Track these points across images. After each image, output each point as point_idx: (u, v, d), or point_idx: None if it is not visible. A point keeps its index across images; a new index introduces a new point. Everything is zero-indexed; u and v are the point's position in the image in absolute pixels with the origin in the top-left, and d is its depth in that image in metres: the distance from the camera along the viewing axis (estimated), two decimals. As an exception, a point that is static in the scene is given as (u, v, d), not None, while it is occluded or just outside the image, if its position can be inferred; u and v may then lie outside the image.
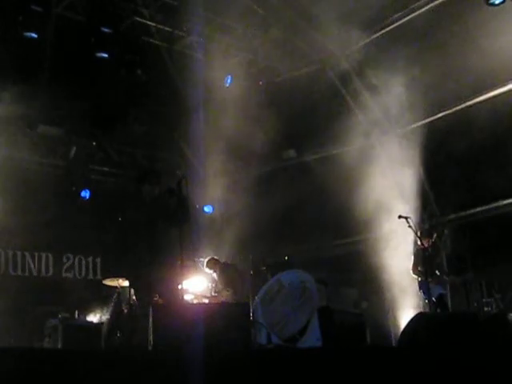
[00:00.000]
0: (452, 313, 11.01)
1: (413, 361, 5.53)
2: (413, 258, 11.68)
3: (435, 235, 12.06)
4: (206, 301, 10.85)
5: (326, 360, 5.38)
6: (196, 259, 12.58)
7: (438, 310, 11.06)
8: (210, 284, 11.62)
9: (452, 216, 13.67)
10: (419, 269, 11.48)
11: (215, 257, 12.08)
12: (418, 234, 11.70)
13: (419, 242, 11.61)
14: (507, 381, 5.30)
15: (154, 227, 7.38)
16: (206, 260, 11.95)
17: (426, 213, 13.73)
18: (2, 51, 10.74)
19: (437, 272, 11.36)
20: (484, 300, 11.40)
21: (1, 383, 3.97)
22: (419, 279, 11.54)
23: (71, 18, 12.18)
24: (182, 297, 8.42)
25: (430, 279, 11.27)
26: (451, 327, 6.90)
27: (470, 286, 11.50)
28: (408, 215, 10.95)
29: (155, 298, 7.66)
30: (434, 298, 11.23)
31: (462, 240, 13.00)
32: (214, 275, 11.63)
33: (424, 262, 11.37)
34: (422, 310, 11.42)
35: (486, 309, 11.23)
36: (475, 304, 11.53)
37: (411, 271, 11.69)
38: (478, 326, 7.09)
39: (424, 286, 11.41)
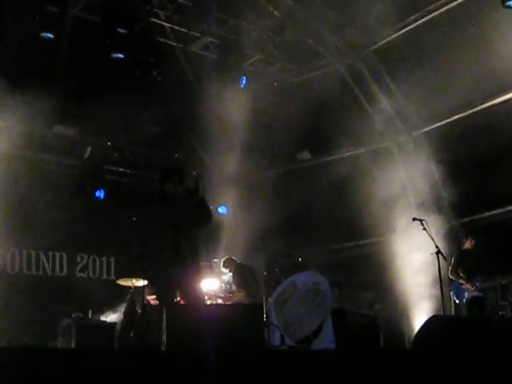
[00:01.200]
0: (466, 316, 10.95)
1: (427, 364, 5.51)
2: (453, 259, 11.61)
3: (471, 237, 12.01)
4: (220, 301, 10.86)
5: (339, 362, 5.37)
6: (211, 260, 12.59)
7: (474, 312, 11.06)
8: (223, 284, 11.62)
9: (466, 219, 13.59)
10: (459, 271, 11.45)
11: (233, 257, 12.08)
12: (459, 235, 11.73)
13: (465, 243, 11.62)
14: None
15: (174, 229, 7.35)
16: (223, 259, 11.96)
17: (440, 216, 13.67)
18: (18, 52, 10.80)
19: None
20: (499, 303, 11.32)
21: (13, 382, 3.98)
22: (457, 281, 11.51)
23: (87, 18, 12.24)
24: (203, 297, 8.44)
25: (464, 281, 11.29)
26: (465, 331, 6.87)
27: (484, 289, 11.45)
28: (422, 218, 10.90)
29: (176, 298, 7.66)
30: (463, 300, 11.24)
31: (482, 242, 12.92)
32: (229, 275, 11.63)
33: (465, 264, 11.37)
34: (448, 312, 11.37)
35: (500, 312, 11.16)
36: (489, 308, 11.46)
37: (449, 273, 11.63)
38: (492, 330, 7.05)
39: (459, 289, 11.42)
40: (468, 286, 11.23)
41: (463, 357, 5.65)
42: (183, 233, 7.40)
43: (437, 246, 10.78)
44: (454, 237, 11.91)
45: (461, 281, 11.41)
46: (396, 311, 12.62)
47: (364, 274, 13.45)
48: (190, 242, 7.41)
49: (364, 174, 13.61)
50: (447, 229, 13.12)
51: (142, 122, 14.08)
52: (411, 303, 12.69)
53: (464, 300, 11.31)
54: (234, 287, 11.31)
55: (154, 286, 8.96)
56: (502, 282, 11.29)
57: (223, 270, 11.83)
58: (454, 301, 11.59)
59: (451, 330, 6.89)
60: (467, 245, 11.66)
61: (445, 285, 11.04)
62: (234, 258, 12.12)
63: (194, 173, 7.66)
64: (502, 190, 12.12)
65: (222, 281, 11.74)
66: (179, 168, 7.94)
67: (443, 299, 11.04)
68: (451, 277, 11.62)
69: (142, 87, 13.50)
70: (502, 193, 12.33)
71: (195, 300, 7.45)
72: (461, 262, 11.48)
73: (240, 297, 10.88)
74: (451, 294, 11.67)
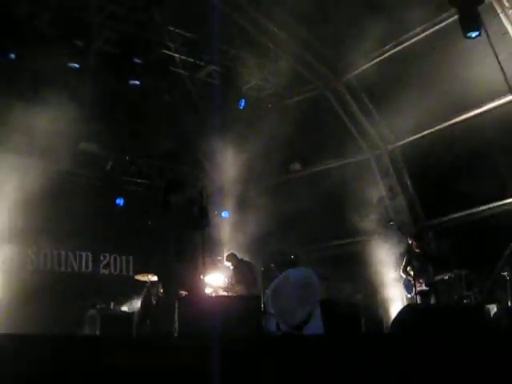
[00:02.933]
0: (436, 304, 10.94)
1: (402, 345, 5.51)
2: (404, 259, 11.63)
3: (422, 238, 12.01)
4: (223, 292, 10.83)
5: (327, 345, 5.38)
6: (215, 258, 12.58)
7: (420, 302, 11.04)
8: (226, 279, 11.60)
9: (435, 221, 13.59)
10: (408, 269, 11.46)
11: (234, 252, 12.04)
12: (408, 237, 11.70)
13: (411, 244, 11.59)
14: (483, 362, 5.27)
15: (180, 231, 7.38)
16: (226, 254, 11.94)
17: (412, 218, 13.69)
18: (49, 79, 10.81)
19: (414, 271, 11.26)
20: (464, 293, 11.31)
21: (45, 366, 3.97)
22: (405, 278, 11.53)
23: (108, 50, 12.27)
24: (204, 290, 8.43)
25: (412, 278, 11.27)
26: (435, 317, 6.88)
27: (452, 281, 11.41)
28: (397, 220, 10.92)
29: (181, 292, 7.66)
30: (413, 294, 11.23)
31: (445, 241, 12.93)
32: (231, 269, 11.60)
33: (412, 263, 11.36)
34: (407, 303, 11.38)
35: (465, 301, 11.14)
36: (456, 297, 11.43)
37: (401, 271, 11.67)
38: (457, 316, 7.06)
39: (408, 284, 11.42)
40: (415, 282, 11.19)
41: (434, 339, 5.66)
42: (186, 236, 7.44)
43: (411, 246, 10.81)
44: (413, 238, 11.87)
45: (409, 278, 11.40)
46: (375, 301, 12.61)
47: (347, 268, 13.43)
48: (192, 243, 7.45)
49: (347, 182, 13.62)
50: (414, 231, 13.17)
51: (155, 139, 14.11)
52: (388, 294, 12.70)
53: (412, 294, 11.31)
54: (234, 280, 11.29)
55: (161, 282, 8.97)
56: (466, 274, 11.25)
57: (226, 263, 11.80)
58: (406, 295, 11.60)
59: (423, 317, 6.90)
60: (414, 246, 11.59)
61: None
62: (236, 253, 12.08)
63: (199, 183, 7.70)
64: (465, 195, 12.15)
65: (224, 275, 11.73)
66: (181, 181, 7.99)
67: (418, 291, 11.10)
68: (402, 274, 11.63)
69: (154, 109, 13.56)
70: (465, 198, 12.34)
71: (196, 292, 7.49)
72: (409, 261, 11.46)
73: (240, 290, 10.85)
74: (403, 289, 11.68)
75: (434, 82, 11.82)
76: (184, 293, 7.68)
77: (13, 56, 11.10)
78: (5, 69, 11.06)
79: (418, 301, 11.15)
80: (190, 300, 7.33)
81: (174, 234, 7.38)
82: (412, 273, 11.17)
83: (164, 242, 7.49)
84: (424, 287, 11.15)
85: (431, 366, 5.03)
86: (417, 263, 11.16)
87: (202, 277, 7.67)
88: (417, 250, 11.40)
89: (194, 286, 7.48)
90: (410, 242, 11.65)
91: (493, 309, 9.74)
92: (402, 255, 11.85)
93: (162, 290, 9.82)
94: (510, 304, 10.14)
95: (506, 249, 11.53)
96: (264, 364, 4.67)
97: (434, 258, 11.74)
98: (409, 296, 11.46)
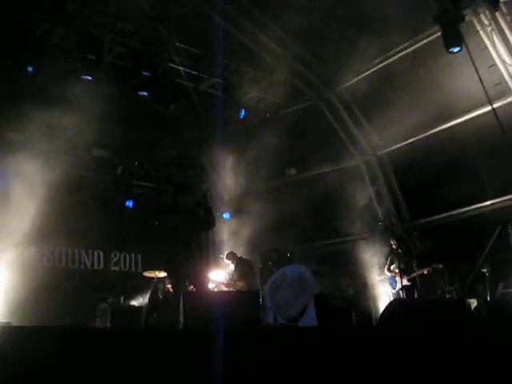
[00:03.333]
0: (420, 299, 10.96)
1: (390, 336, 5.54)
2: (388, 258, 11.69)
3: (405, 237, 12.05)
4: (225, 288, 10.84)
5: (320, 336, 5.40)
6: (217, 255, 12.58)
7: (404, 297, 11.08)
8: (227, 275, 11.61)
9: (421, 221, 13.61)
10: (392, 267, 11.50)
11: (234, 251, 12.05)
12: (391, 238, 11.73)
13: (394, 244, 11.62)
14: (464, 352, 5.30)
15: (187, 231, 7.42)
16: (226, 253, 11.94)
17: (399, 219, 13.71)
18: (63, 91, 10.82)
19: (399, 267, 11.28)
20: (446, 288, 11.32)
21: (60, 355, 3.99)
22: (390, 275, 11.58)
23: (118, 64, 12.31)
24: (208, 285, 8.45)
25: (395, 274, 11.30)
26: (419, 310, 6.90)
27: (434, 277, 11.43)
28: (385, 221, 10.93)
29: (188, 286, 7.70)
30: (397, 290, 11.27)
31: (429, 240, 12.95)
32: (232, 266, 11.61)
33: (394, 262, 11.42)
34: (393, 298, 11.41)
35: (447, 296, 11.16)
36: (439, 292, 11.45)
37: (385, 269, 11.72)
38: (440, 310, 7.09)
39: (392, 281, 11.46)
40: (398, 278, 11.22)
41: (419, 331, 5.69)
42: (192, 235, 7.47)
43: (395, 244, 10.81)
44: (396, 237, 11.93)
45: (392, 274, 11.45)
46: (365, 295, 12.63)
47: (339, 266, 13.46)
48: (198, 242, 7.48)
49: (339, 186, 13.64)
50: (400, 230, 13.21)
51: (162, 146, 14.13)
52: (376, 289, 12.70)
53: (396, 290, 11.35)
54: (235, 277, 11.30)
55: (169, 277, 9.00)
56: (447, 270, 11.28)
57: (226, 261, 11.80)
58: (391, 290, 11.64)
59: (409, 310, 6.93)
60: (395, 246, 11.63)
61: (402, 275, 11.12)
62: (235, 251, 12.09)
63: (203, 187, 7.74)
64: (446, 198, 12.18)
65: (226, 272, 11.74)
66: (188, 185, 8.04)
67: (402, 287, 11.13)
68: (387, 272, 11.68)
69: (161, 118, 13.58)
70: (446, 201, 12.38)
71: (201, 287, 7.52)
72: (392, 260, 11.52)
73: (240, 286, 10.85)
74: (388, 285, 11.74)
75: (419, 94, 11.87)
76: (191, 287, 7.72)
77: (30, 69, 11.15)
78: (23, 80, 11.09)
79: (404, 296, 11.18)
80: (194, 294, 7.36)
81: (181, 234, 7.42)
82: (397, 270, 11.21)
83: (172, 241, 7.53)
84: (407, 282, 11.19)
85: (416, 356, 5.05)
86: (400, 261, 11.19)
87: (206, 273, 7.71)
88: (399, 250, 11.44)
89: (200, 282, 7.52)
90: (392, 242, 11.70)
91: (473, 303, 9.75)
92: (387, 254, 11.90)
93: (170, 285, 9.86)
94: (489, 298, 10.17)
95: (485, 247, 11.59)
96: (262, 354, 4.69)
97: (417, 255, 11.77)
98: (393, 291, 11.49)
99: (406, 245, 11.92)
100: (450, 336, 5.60)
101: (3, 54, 10.78)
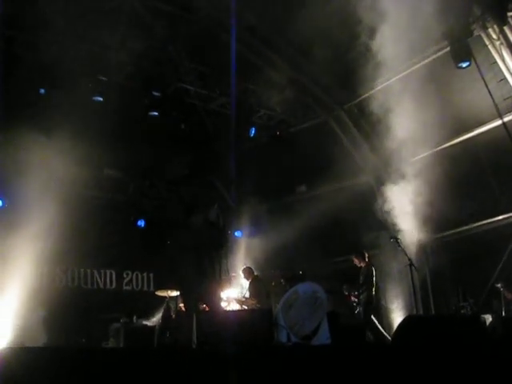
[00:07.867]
0: (435, 315, 10.87)
1: (404, 355, 5.49)
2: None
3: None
4: (237, 305, 10.79)
5: (334, 355, 5.37)
6: (230, 274, 12.54)
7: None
8: (239, 294, 11.56)
9: (435, 236, 13.48)
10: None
11: (251, 267, 11.99)
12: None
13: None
14: (479, 368, 5.25)
15: (199, 251, 7.41)
16: (243, 268, 11.88)
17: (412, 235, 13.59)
18: (75, 113, 10.92)
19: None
20: (460, 304, 11.22)
21: (73, 377, 3.99)
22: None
23: (129, 85, 12.41)
24: (220, 304, 8.42)
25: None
26: (434, 327, 6.83)
27: (449, 293, 11.35)
28: (398, 236, 10.86)
29: (201, 306, 7.68)
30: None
31: (443, 255, 12.83)
32: (246, 283, 11.55)
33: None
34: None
35: (462, 311, 11.05)
36: (453, 308, 11.35)
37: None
38: (455, 326, 7.01)
39: None
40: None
41: (433, 348, 5.63)
42: (205, 255, 7.46)
43: (409, 259, 10.68)
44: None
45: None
46: (378, 312, 12.51)
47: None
48: (210, 261, 7.47)
49: (349, 202, 13.59)
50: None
51: (173, 165, 14.19)
52: (390, 306, 12.60)
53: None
54: (249, 294, 11.24)
55: (182, 297, 8.97)
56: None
57: (241, 275, 11.73)
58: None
59: (423, 327, 6.86)
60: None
61: (416, 291, 11.00)
62: (251, 267, 12.00)
63: (215, 206, 7.73)
64: (459, 212, 12.10)
65: (238, 290, 11.69)
66: (199, 203, 8.04)
67: (416, 303, 11.01)
68: None
69: (172, 137, 13.65)
70: (459, 215, 12.29)
71: (215, 306, 7.49)
72: None
73: (253, 303, 10.83)
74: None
75: (428, 109, 11.84)
76: (203, 306, 7.70)
77: (43, 91, 11.28)
78: (36, 102, 11.21)
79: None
80: (206, 313, 7.35)
81: (194, 253, 7.41)
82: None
83: (184, 260, 7.53)
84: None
85: (431, 372, 5.00)
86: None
87: (219, 292, 7.69)
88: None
89: (212, 300, 7.50)
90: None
91: (488, 318, 9.66)
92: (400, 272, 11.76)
93: (182, 304, 9.82)
94: (504, 314, 10.07)
95: (499, 262, 11.49)
96: (276, 372, 4.67)
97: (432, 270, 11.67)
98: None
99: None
100: (465, 352, 5.54)
101: (16, 76, 10.91)
